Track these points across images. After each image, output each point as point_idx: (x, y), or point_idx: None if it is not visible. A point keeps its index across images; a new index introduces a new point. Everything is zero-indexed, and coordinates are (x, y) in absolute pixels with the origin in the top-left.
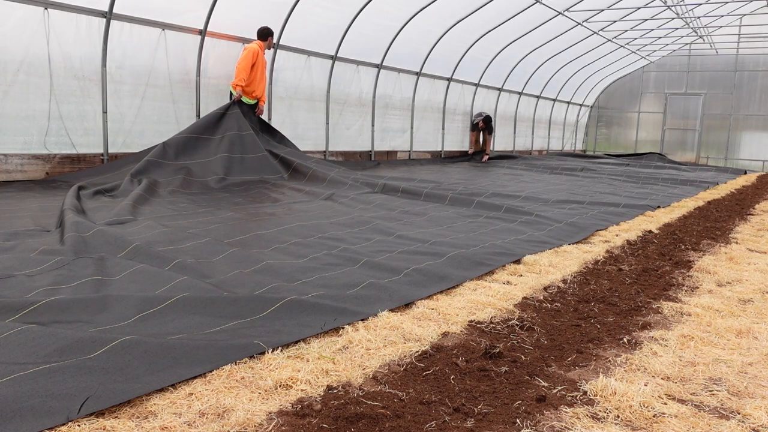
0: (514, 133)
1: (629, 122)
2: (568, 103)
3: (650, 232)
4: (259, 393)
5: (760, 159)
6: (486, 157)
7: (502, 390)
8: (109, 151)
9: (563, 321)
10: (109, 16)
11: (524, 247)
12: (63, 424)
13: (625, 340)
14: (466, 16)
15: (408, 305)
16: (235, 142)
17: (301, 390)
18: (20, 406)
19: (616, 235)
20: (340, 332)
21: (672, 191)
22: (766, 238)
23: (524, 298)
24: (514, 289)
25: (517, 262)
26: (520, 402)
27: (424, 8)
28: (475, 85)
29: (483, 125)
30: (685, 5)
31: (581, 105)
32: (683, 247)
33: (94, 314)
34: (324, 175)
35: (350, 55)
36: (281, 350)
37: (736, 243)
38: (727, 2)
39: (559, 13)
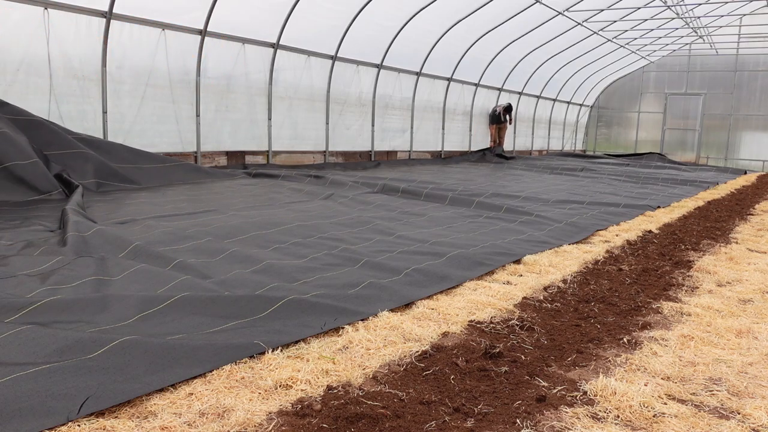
0: (514, 133)
1: (629, 122)
2: (568, 103)
3: (650, 232)
4: (259, 393)
5: (760, 159)
6: (498, 148)
7: (502, 390)
8: None
9: (563, 321)
10: (109, 16)
11: (524, 247)
12: (63, 424)
13: (625, 340)
14: (466, 16)
15: (408, 305)
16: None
17: (301, 390)
18: (20, 406)
19: (616, 235)
20: (341, 332)
21: (672, 191)
22: (766, 238)
23: (524, 298)
24: (514, 289)
25: (517, 262)
26: (520, 402)
27: (424, 8)
28: (475, 85)
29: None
30: (685, 5)
31: (581, 105)
32: (683, 247)
33: (94, 314)
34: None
35: (350, 55)
36: (281, 350)
37: (736, 243)
38: (727, 2)
39: (559, 13)
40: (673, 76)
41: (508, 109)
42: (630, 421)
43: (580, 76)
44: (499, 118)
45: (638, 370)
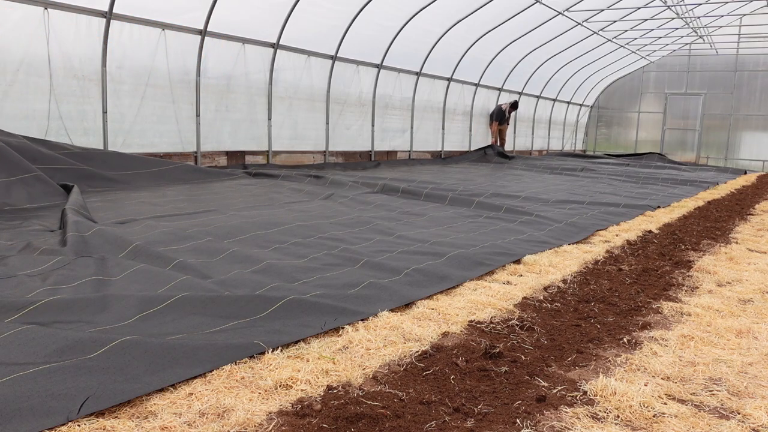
0: (514, 133)
1: (629, 122)
2: (568, 103)
3: (650, 232)
4: (259, 393)
5: (760, 159)
6: (499, 147)
7: (502, 390)
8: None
9: (563, 321)
10: (109, 16)
11: (524, 247)
12: (63, 424)
13: (625, 340)
14: (466, 16)
15: (408, 305)
16: None
17: (301, 390)
18: (20, 406)
19: (616, 235)
20: (341, 332)
21: (672, 191)
22: (766, 238)
23: (524, 298)
24: (514, 289)
25: (517, 262)
26: (520, 402)
27: (424, 8)
28: (475, 85)
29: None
30: (685, 5)
31: (581, 105)
32: (683, 247)
33: (94, 314)
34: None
35: (350, 55)
36: (281, 350)
37: (736, 243)
38: (727, 2)
39: (559, 13)
40: (673, 76)
41: (514, 105)
42: (630, 421)
43: (580, 76)
44: (504, 115)
45: (638, 370)
